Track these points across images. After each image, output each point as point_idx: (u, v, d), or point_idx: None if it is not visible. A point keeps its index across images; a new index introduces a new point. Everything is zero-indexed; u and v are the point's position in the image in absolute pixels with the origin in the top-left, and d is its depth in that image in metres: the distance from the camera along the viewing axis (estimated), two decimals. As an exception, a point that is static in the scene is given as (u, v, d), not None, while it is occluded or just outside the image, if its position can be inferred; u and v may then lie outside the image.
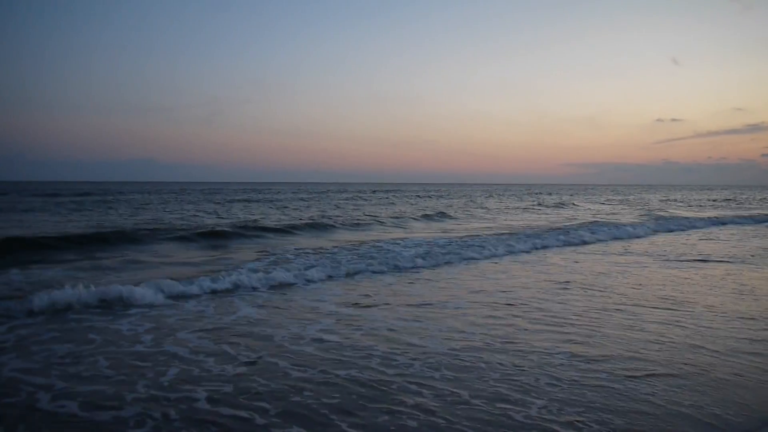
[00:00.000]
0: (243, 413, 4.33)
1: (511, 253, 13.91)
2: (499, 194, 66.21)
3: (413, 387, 4.79)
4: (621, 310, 7.63)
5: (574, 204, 41.70)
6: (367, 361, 5.49)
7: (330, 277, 10.21)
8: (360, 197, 51.08)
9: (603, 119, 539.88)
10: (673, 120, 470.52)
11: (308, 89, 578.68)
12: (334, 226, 19.83)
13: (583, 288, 9.23)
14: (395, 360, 5.51)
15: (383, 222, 22.79)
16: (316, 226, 19.40)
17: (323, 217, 24.39)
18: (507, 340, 6.21)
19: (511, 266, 11.92)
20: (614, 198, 58.10)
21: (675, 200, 51.19)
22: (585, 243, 16.44)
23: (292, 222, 20.62)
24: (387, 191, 72.69)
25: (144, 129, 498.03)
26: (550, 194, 71.19)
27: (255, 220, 21.75)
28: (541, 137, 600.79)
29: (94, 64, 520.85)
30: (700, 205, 41.33)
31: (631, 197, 61.07)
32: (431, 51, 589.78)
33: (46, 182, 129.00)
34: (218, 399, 4.59)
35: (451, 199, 49.67)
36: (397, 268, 11.20)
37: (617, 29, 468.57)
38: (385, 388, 4.77)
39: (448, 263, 12.15)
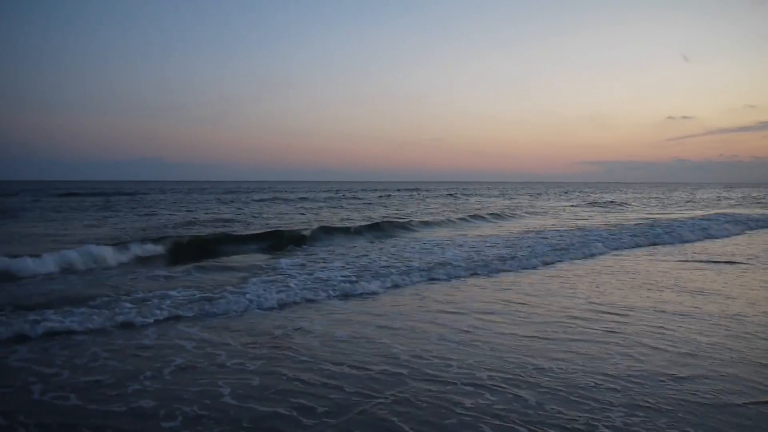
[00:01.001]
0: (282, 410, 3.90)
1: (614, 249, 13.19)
2: (529, 193, 61.67)
3: (468, 387, 4.31)
4: (737, 321, 6.30)
5: (621, 202, 40.38)
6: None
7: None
8: (392, 195, 48.61)
9: (613, 117, 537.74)
10: (684, 117, 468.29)
11: (317, 88, 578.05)
12: (485, 219, 21.53)
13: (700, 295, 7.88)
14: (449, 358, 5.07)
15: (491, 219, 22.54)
16: (466, 220, 20.98)
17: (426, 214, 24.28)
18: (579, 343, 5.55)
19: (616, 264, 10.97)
20: (648, 195, 55.42)
21: (713, 199, 47.25)
22: (684, 242, 15.14)
23: (437, 218, 21.16)
24: (410, 189, 69.24)
25: (151, 128, 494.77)
26: (583, 192, 66.48)
27: (387, 216, 22.11)
28: (550, 135, 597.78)
29: (102, 64, 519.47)
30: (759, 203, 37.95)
31: (663, 195, 59.67)
32: (439, 49, 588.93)
33: (53, 182, 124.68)
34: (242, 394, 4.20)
35: (492, 197, 46.68)
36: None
37: (627, 26, 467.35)
38: (434, 388, 4.31)
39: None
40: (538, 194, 57.25)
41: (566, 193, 63.15)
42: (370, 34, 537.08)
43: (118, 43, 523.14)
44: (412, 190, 69.33)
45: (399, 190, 68.87)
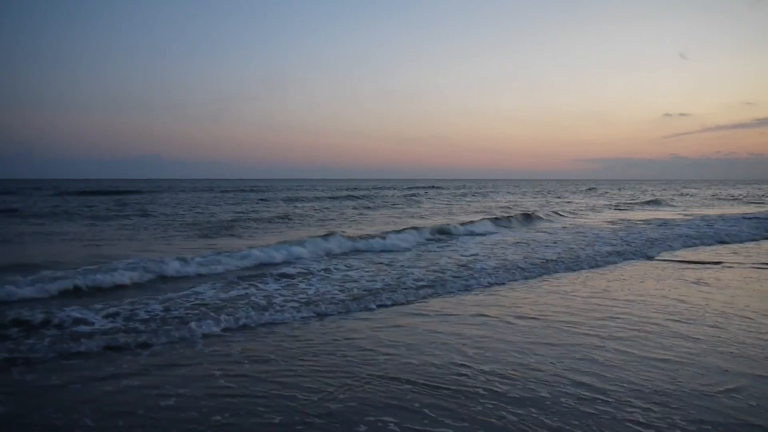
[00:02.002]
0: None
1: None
2: (548, 190, 59.47)
3: (480, 378, 4.34)
4: None
5: (664, 201, 37.67)
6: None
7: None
8: (418, 194, 46.26)
9: (611, 114, 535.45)
10: (682, 115, 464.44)
11: (315, 86, 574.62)
12: (540, 218, 20.72)
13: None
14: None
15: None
16: (526, 217, 20.55)
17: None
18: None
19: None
20: (671, 193, 53.07)
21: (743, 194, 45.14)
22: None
23: (506, 214, 21.17)
24: (420, 188, 65.03)
25: (151, 126, 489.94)
26: (602, 189, 63.37)
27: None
28: (549, 133, 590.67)
29: (99, 62, 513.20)
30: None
31: (680, 191, 57.66)
32: (437, 47, 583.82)
33: (51, 180, 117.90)
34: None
35: (513, 195, 45.27)
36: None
37: (624, 23, 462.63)
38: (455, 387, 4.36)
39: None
40: (582, 191, 54.39)
41: (591, 189, 60.92)
42: (368, 30, 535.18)
43: (115, 42, 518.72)
44: (422, 188, 64.72)
45: (406, 188, 64.86)
